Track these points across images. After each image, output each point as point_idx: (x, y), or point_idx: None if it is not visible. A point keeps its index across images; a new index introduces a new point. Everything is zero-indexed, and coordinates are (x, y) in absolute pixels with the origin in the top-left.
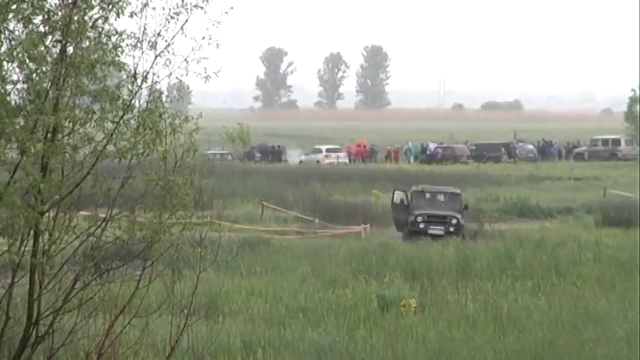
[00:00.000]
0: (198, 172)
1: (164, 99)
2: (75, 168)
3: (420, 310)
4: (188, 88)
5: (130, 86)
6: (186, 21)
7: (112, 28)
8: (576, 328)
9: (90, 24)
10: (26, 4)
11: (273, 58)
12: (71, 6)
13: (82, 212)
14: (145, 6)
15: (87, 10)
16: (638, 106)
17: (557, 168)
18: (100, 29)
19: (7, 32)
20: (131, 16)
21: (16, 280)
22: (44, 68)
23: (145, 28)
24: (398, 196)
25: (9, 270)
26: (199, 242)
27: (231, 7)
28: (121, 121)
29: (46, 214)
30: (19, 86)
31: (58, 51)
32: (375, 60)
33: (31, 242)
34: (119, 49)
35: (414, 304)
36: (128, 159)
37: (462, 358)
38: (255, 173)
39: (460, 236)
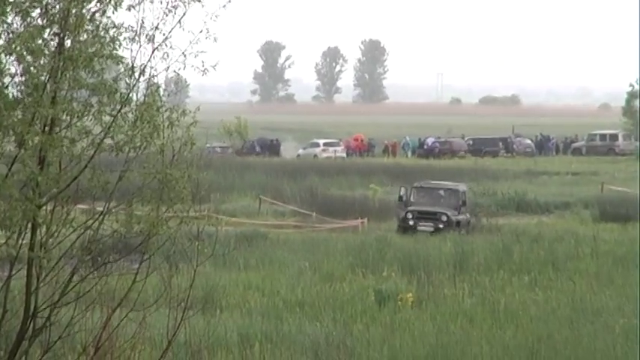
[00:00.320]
0: (195, 166)
1: (162, 92)
2: (72, 161)
3: (417, 305)
4: (186, 82)
5: (127, 79)
6: (184, 14)
7: (109, 21)
8: (573, 322)
9: (88, 17)
10: None
11: (270, 51)
12: None
13: (79, 205)
14: None
15: (85, 3)
16: (636, 101)
17: (555, 163)
18: (97, 22)
19: (5, 25)
20: (129, 9)
21: (13, 273)
22: (42, 61)
23: (143, 22)
24: (402, 192)
25: (6, 263)
26: (196, 236)
27: (229, 1)
28: (119, 115)
29: (44, 207)
30: (16, 79)
31: (55, 44)
32: (373, 54)
33: (28, 235)
34: (117, 42)
35: (411, 298)
36: (126, 152)
37: (458, 353)
38: (253, 167)
39: (461, 230)
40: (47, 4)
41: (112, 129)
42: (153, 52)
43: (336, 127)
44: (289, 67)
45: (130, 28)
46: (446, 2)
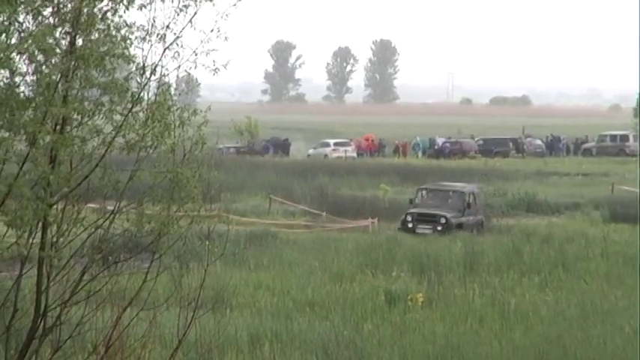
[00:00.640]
0: (206, 165)
1: (172, 92)
2: (83, 160)
3: (427, 305)
4: (197, 81)
5: (138, 79)
6: (195, 13)
7: (121, 20)
8: (584, 323)
9: (99, 16)
10: None
11: (281, 51)
12: None
13: (90, 204)
14: None
15: (96, 2)
16: None
17: (565, 163)
18: (109, 21)
19: (16, 24)
20: (140, 8)
21: (24, 272)
22: (54, 60)
23: (154, 21)
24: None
25: (17, 262)
26: (207, 235)
27: (240, 0)
28: (130, 114)
29: (55, 206)
30: (28, 78)
31: (67, 43)
32: (384, 54)
33: (39, 234)
34: (128, 41)
35: (421, 298)
36: (137, 151)
37: (468, 353)
38: (263, 166)
39: (472, 231)
40: (59, 3)
41: (123, 128)
42: (164, 51)
43: (346, 127)
44: (300, 66)
45: (142, 27)
46: (457, 3)
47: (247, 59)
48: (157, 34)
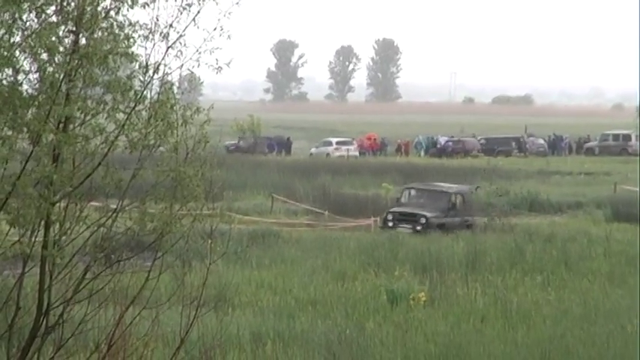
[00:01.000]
0: (209, 164)
1: (175, 90)
2: (86, 159)
3: (430, 304)
4: (199, 80)
5: (141, 77)
6: (198, 12)
7: (124, 18)
8: (586, 322)
9: (102, 14)
10: None
11: (284, 50)
12: None
13: (92, 203)
14: None
15: (100, 1)
16: None
17: (568, 163)
18: (112, 20)
19: (20, 22)
20: (143, 7)
21: (26, 270)
22: (57, 59)
23: (157, 20)
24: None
25: (20, 260)
26: (209, 234)
27: None
28: (133, 112)
29: (57, 204)
30: (31, 76)
31: (70, 41)
32: (387, 53)
33: (41, 233)
34: (131, 40)
35: (423, 297)
36: (139, 150)
37: (471, 352)
38: (265, 165)
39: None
40: (62, 1)
41: (125, 127)
42: (167, 49)
43: (348, 126)
44: (302, 65)
45: (145, 25)
46: (460, 2)
47: (250, 58)
48: (160, 33)
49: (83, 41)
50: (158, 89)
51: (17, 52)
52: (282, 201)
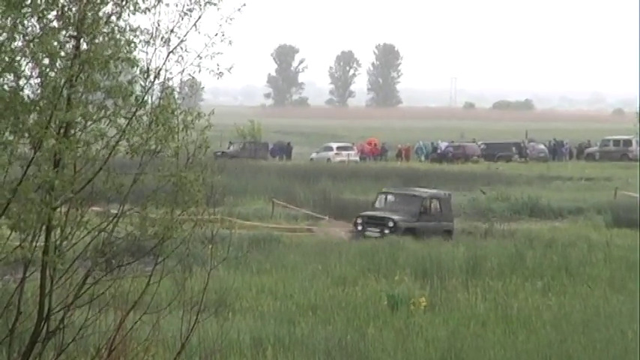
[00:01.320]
0: (210, 169)
1: (176, 95)
2: (87, 164)
3: (430, 309)
4: (200, 85)
5: (142, 82)
6: (200, 17)
7: (125, 24)
8: (587, 328)
9: (104, 20)
10: None
11: (284, 55)
12: (85, 1)
13: (93, 208)
14: (159, 2)
15: (101, 6)
16: None
17: (569, 168)
18: (113, 25)
19: (21, 27)
20: (144, 12)
21: (27, 275)
22: (58, 64)
23: (159, 25)
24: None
25: (20, 265)
26: (210, 239)
27: (244, 4)
28: (134, 117)
29: (58, 209)
30: (32, 82)
31: (71, 46)
32: (387, 58)
33: (42, 238)
34: (132, 45)
35: (423, 302)
36: (140, 155)
37: (471, 358)
38: (266, 170)
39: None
40: (63, 6)
41: (127, 131)
42: (168, 55)
43: (349, 131)
44: (303, 70)
45: (146, 31)
46: (460, 7)
47: (250, 63)
48: (162, 38)
49: (84, 46)
50: (159, 94)
51: (19, 57)
52: (282, 206)
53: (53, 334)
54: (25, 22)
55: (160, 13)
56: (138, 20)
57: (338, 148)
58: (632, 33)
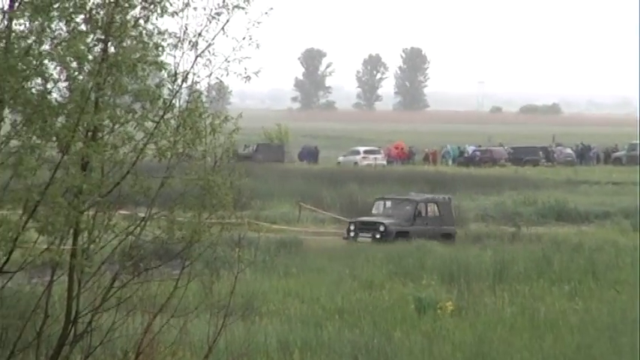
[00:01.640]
0: (237, 172)
1: (204, 99)
2: (115, 167)
3: (457, 313)
4: (228, 88)
5: (170, 86)
6: (227, 21)
7: (153, 27)
8: (613, 332)
9: (132, 23)
10: (68, 3)
11: (311, 59)
12: (113, 5)
13: (121, 211)
14: (187, 6)
15: (129, 10)
16: None
17: (596, 172)
18: (141, 28)
19: (48, 31)
20: (172, 15)
21: (55, 278)
22: (86, 67)
23: (186, 28)
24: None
25: (48, 268)
26: (237, 242)
27: (271, 8)
28: (162, 121)
29: (86, 212)
30: (60, 85)
31: (99, 50)
32: (414, 62)
33: (70, 241)
34: (160, 48)
35: (450, 306)
36: (168, 158)
37: None
38: (293, 174)
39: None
40: (91, 10)
41: (154, 135)
42: (196, 58)
43: (376, 135)
44: (330, 74)
45: (174, 34)
46: (488, 11)
47: (278, 66)
48: (189, 42)
49: (112, 50)
50: (187, 98)
51: (46, 61)
52: (309, 209)
53: (81, 337)
54: (53, 25)
55: (187, 16)
56: (166, 23)
57: (365, 151)
58: None
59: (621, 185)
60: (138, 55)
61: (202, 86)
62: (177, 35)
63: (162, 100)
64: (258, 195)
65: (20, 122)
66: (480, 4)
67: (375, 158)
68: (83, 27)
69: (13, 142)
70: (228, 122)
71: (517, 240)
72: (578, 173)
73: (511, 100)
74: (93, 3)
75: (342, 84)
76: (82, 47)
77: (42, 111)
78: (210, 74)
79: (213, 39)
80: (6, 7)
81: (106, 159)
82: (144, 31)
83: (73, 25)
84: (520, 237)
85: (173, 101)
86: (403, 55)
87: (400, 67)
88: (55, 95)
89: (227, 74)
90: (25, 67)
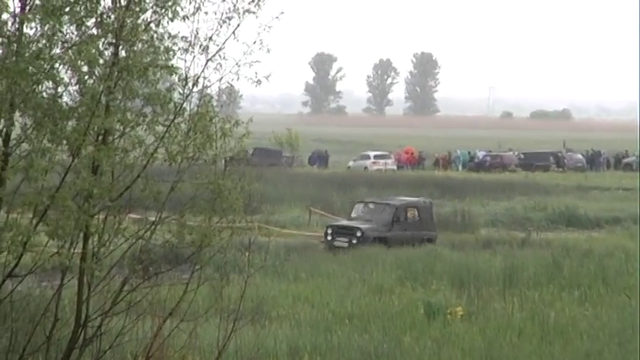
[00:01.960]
0: (247, 177)
1: (214, 103)
2: (125, 171)
3: (467, 318)
4: (238, 93)
5: (181, 90)
6: (238, 25)
7: (164, 31)
8: (623, 338)
9: (143, 27)
10: (80, 6)
11: (322, 63)
12: (124, 9)
13: (131, 215)
14: (198, 10)
15: (140, 14)
16: None
17: (606, 178)
18: (152, 32)
19: (59, 34)
20: (183, 19)
21: (65, 282)
22: (97, 71)
23: (197, 32)
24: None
25: (58, 272)
26: (247, 247)
27: (282, 12)
28: (172, 125)
29: (96, 216)
30: (70, 89)
31: (110, 54)
32: (425, 67)
33: (80, 245)
34: (171, 52)
35: (460, 311)
36: (178, 162)
37: None
38: (302, 178)
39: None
40: (102, 13)
41: (165, 139)
42: (206, 62)
43: (386, 140)
44: (341, 79)
45: (185, 38)
46: (499, 17)
47: (288, 71)
48: (200, 46)
49: (123, 54)
50: (197, 102)
51: (57, 65)
52: (319, 214)
53: (90, 341)
54: (64, 29)
55: (198, 20)
56: (177, 28)
57: (375, 156)
58: None
59: (632, 191)
60: (149, 59)
61: (213, 90)
62: (188, 39)
63: (172, 104)
64: (269, 199)
65: (31, 126)
66: (491, 9)
67: (386, 163)
68: (94, 31)
69: (24, 146)
70: (238, 126)
71: (527, 245)
72: (588, 179)
73: (521, 105)
74: (104, 7)
75: (353, 88)
76: (93, 51)
77: (52, 115)
78: (221, 78)
79: (224, 43)
80: (17, 11)
81: (116, 163)
82: (155, 35)
83: (84, 28)
84: (530, 242)
85: (184, 105)
86: (414, 59)
87: (411, 72)
88: (65, 99)
89: (238, 78)
90: (35, 71)
